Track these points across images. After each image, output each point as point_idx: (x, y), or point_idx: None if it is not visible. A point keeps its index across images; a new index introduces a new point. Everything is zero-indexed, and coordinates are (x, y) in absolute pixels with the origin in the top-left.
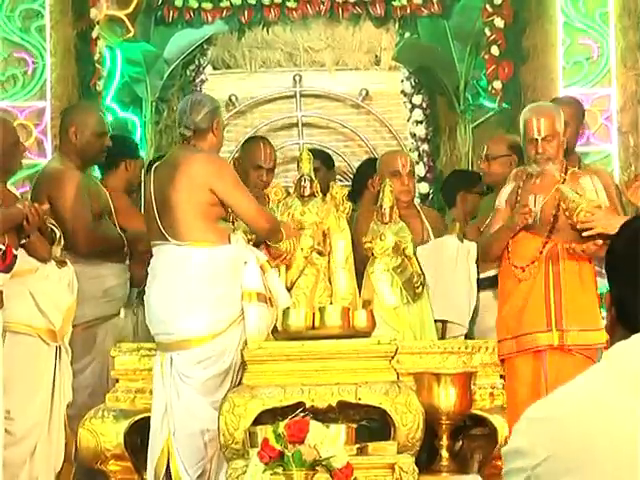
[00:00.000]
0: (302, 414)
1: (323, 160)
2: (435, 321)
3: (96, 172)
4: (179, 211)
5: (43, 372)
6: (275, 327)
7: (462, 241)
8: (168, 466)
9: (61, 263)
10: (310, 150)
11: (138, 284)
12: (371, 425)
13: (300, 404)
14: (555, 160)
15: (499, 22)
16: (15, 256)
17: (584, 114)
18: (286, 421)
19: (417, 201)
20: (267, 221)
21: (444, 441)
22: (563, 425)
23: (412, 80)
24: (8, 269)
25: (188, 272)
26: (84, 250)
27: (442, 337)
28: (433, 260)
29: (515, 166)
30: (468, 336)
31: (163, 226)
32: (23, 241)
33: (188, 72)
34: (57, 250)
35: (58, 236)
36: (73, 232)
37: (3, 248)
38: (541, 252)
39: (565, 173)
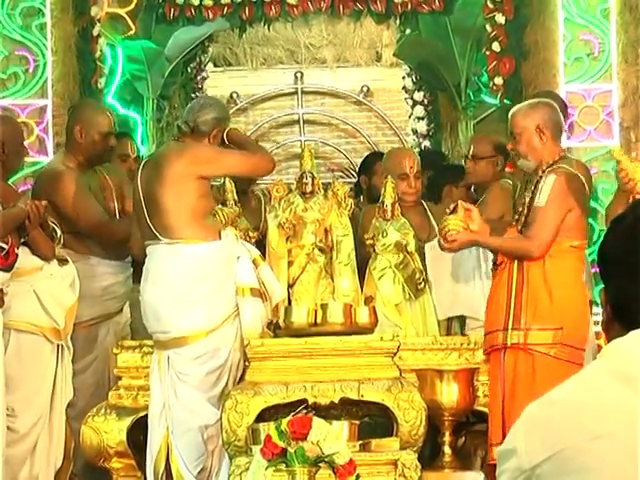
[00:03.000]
0: (305, 411)
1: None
2: (453, 318)
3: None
4: (167, 209)
5: (46, 370)
6: (277, 324)
7: None
8: (168, 463)
9: (62, 261)
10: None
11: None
12: (374, 421)
13: (303, 401)
14: (528, 156)
15: (500, 18)
16: (17, 255)
17: (566, 109)
18: (289, 418)
19: None
20: (268, 161)
21: (447, 437)
22: (561, 425)
23: (413, 76)
24: (10, 268)
25: (181, 269)
26: (108, 241)
27: (461, 332)
28: (448, 256)
29: (501, 166)
30: None
31: (154, 225)
32: (24, 240)
33: (189, 69)
34: (57, 248)
35: (59, 234)
36: (89, 228)
37: (6, 247)
38: None
39: (546, 169)
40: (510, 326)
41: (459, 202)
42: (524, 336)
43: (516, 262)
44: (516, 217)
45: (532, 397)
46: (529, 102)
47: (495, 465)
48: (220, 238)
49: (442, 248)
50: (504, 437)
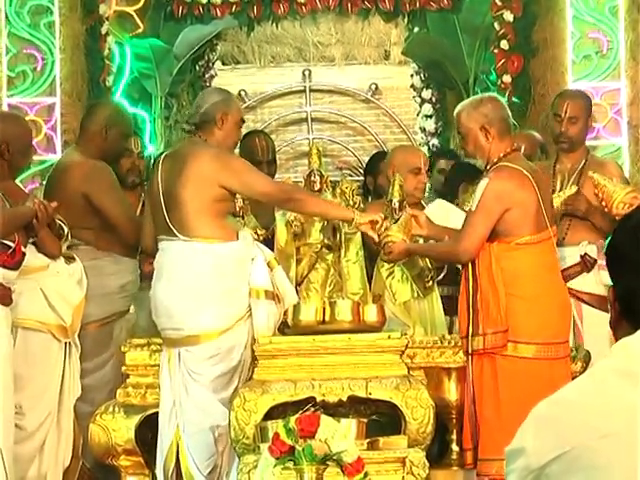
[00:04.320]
0: (313, 409)
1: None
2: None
3: None
4: (187, 207)
5: (54, 368)
6: (285, 322)
7: None
8: (178, 461)
9: (69, 259)
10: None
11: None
12: (382, 420)
13: (311, 399)
14: (477, 156)
15: (508, 16)
16: (24, 254)
17: (591, 108)
18: (297, 416)
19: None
20: (284, 192)
21: (454, 435)
22: (569, 424)
23: (421, 74)
24: (17, 266)
25: (196, 268)
26: (134, 241)
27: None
28: None
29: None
30: None
31: (171, 221)
32: (32, 240)
33: (197, 67)
34: (64, 246)
35: (66, 232)
36: (121, 226)
37: (13, 245)
38: None
39: (490, 168)
40: (471, 332)
41: (405, 210)
42: (483, 341)
43: (470, 268)
44: None
45: (499, 401)
46: (472, 100)
47: (472, 469)
48: (237, 239)
49: (382, 260)
50: (474, 443)
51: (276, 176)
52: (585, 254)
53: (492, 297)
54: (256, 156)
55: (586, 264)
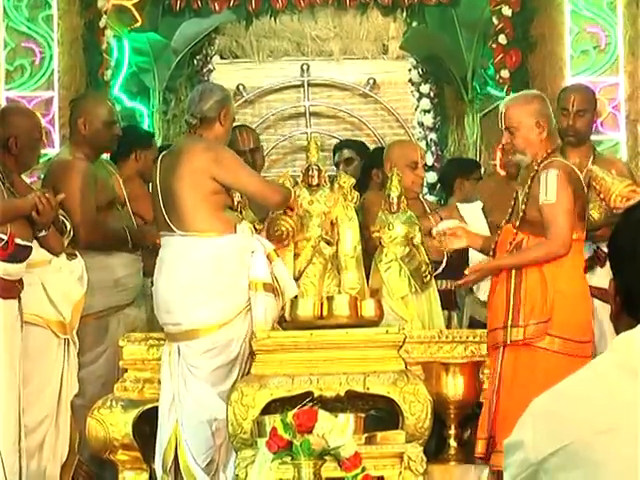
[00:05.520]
0: (310, 404)
1: (358, 150)
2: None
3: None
4: (183, 201)
5: (54, 364)
6: (283, 317)
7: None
8: (176, 455)
9: (71, 255)
10: (343, 141)
11: (150, 274)
12: (379, 414)
13: (308, 394)
14: (525, 150)
15: (507, 10)
16: (19, 246)
17: (596, 101)
18: (294, 411)
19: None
20: (278, 193)
21: (452, 430)
22: (568, 418)
23: (420, 69)
24: (11, 259)
25: (194, 262)
26: (84, 242)
27: (460, 324)
28: None
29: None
30: None
31: (169, 217)
32: (44, 233)
33: (196, 62)
34: (65, 242)
35: (68, 228)
36: (74, 224)
37: (5, 238)
38: (510, 243)
39: (540, 163)
40: (510, 324)
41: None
42: (523, 332)
43: None
44: (510, 212)
45: (532, 393)
46: (519, 96)
47: (481, 458)
48: (235, 232)
49: (463, 284)
50: (490, 434)
51: (274, 170)
52: (598, 248)
53: (540, 291)
54: (238, 146)
55: (599, 258)
